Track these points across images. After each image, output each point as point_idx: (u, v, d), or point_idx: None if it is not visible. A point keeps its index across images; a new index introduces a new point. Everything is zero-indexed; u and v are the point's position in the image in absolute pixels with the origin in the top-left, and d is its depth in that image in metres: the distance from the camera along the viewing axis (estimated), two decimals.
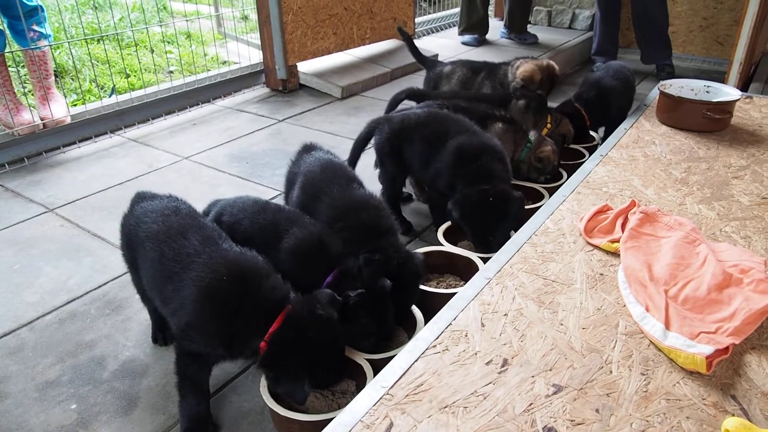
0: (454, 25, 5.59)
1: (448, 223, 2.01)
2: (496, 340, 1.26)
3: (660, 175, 2.07)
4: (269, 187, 2.64)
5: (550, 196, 2.01)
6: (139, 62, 4.21)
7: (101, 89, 3.94)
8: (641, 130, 2.50)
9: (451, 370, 1.18)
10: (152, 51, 4.60)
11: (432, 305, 1.50)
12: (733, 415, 1.07)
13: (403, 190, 2.42)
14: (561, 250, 1.61)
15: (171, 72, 4.38)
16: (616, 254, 1.57)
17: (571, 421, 1.06)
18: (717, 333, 1.22)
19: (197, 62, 4.33)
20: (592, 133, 2.90)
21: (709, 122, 2.41)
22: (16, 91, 3.01)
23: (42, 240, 2.23)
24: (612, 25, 4.46)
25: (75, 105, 3.54)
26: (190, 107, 3.67)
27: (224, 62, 4.57)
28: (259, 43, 3.95)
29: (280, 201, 2.13)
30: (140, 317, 1.80)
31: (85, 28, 4.85)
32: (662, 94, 2.55)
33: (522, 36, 5.01)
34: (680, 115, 2.49)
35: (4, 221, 2.37)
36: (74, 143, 3.09)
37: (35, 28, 2.93)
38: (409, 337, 1.55)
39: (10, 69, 3.04)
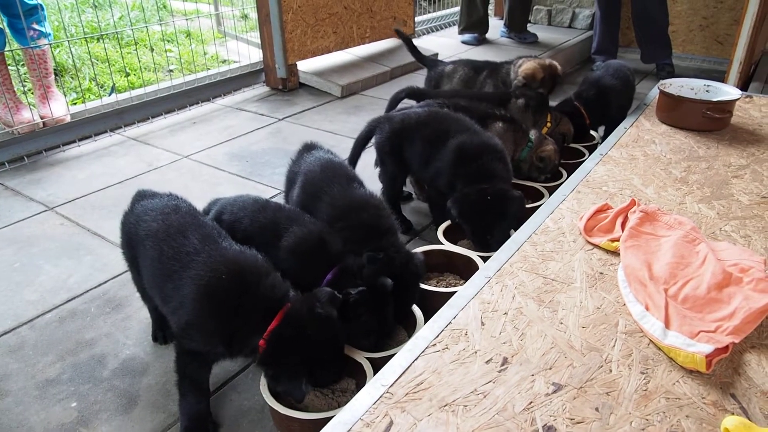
0: (454, 24, 5.59)
1: (448, 222, 2.01)
2: (496, 339, 1.26)
3: (660, 174, 2.07)
4: (269, 186, 2.64)
5: (550, 195, 2.01)
6: (139, 61, 4.21)
7: (101, 88, 3.94)
8: (641, 129, 2.50)
9: (451, 368, 1.18)
10: (152, 50, 4.59)
11: (432, 304, 1.51)
12: (733, 413, 1.07)
13: (403, 188, 2.42)
14: (561, 249, 1.61)
15: (171, 71, 4.37)
16: (615, 253, 1.57)
17: (571, 419, 1.06)
18: (717, 332, 1.22)
19: (197, 61, 4.33)
20: (591, 132, 2.90)
21: (709, 121, 2.41)
22: (15, 89, 3.01)
23: (42, 238, 2.23)
24: (612, 24, 4.46)
25: (75, 104, 3.54)
26: (190, 106, 3.67)
27: (224, 61, 4.57)
28: (259, 41, 3.95)
29: (280, 200, 2.13)
30: (140, 316, 1.80)
31: (85, 26, 4.85)
32: (662, 93, 2.55)
33: (522, 35, 5.01)
34: (680, 114, 2.49)
35: (4, 220, 2.37)
36: (74, 142, 3.09)
37: (35, 26, 2.93)
38: (409, 336, 1.55)
39: (9, 67, 3.03)
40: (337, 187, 1.70)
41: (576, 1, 5.38)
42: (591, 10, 5.23)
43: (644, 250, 1.53)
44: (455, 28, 5.37)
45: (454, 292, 1.43)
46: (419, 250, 1.82)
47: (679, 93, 2.51)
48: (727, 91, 2.50)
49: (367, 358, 1.41)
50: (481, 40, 5.06)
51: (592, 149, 2.56)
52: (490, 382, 1.15)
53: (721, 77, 3.49)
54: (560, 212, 1.82)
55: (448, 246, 1.89)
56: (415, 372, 1.17)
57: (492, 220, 1.88)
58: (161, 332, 1.69)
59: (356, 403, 1.10)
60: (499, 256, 1.59)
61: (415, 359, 1.20)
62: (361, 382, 1.40)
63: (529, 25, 5.18)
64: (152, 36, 4.92)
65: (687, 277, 1.40)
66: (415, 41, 4.28)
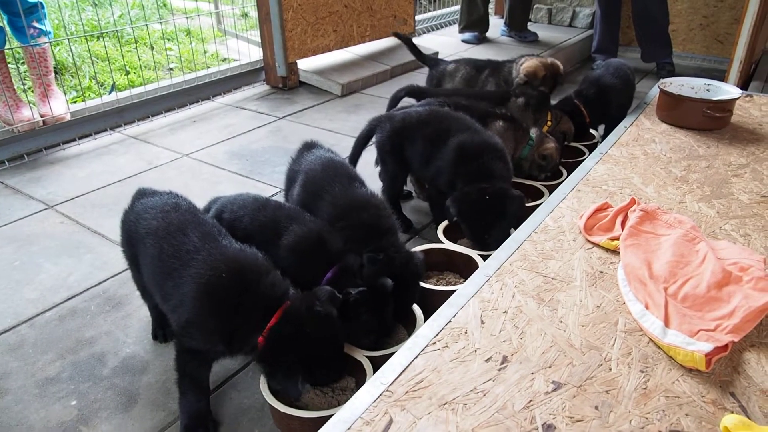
0: (455, 23, 5.58)
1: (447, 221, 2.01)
2: (495, 338, 1.26)
3: (660, 173, 2.07)
4: (269, 185, 2.64)
5: (550, 193, 2.01)
6: (139, 59, 4.21)
7: (101, 86, 3.94)
8: (641, 128, 2.50)
9: (451, 367, 1.18)
10: (152, 48, 4.59)
11: (432, 302, 1.51)
12: (732, 412, 1.07)
13: (404, 187, 2.42)
14: (561, 247, 1.61)
15: (171, 69, 4.37)
16: (615, 252, 1.57)
17: (571, 418, 1.06)
18: (716, 330, 1.22)
19: (197, 59, 4.33)
20: (592, 131, 2.90)
21: (709, 120, 2.41)
22: (15, 87, 3.01)
23: (42, 237, 2.23)
24: (612, 23, 4.46)
25: (75, 102, 3.54)
26: (190, 104, 3.66)
27: (224, 59, 4.57)
28: (259, 40, 3.95)
29: (279, 198, 2.13)
30: (140, 314, 1.80)
31: (85, 25, 4.85)
32: (662, 92, 2.55)
33: (522, 34, 5.01)
34: (680, 113, 2.49)
35: (4, 218, 2.36)
36: (74, 140, 3.09)
37: (35, 25, 2.93)
38: (409, 334, 1.55)
39: (9, 66, 3.03)
40: (338, 187, 1.70)
41: (576, 0, 5.38)
42: (591, 9, 5.22)
43: (644, 248, 1.53)
44: (455, 27, 5.37)
45: (454, 291, 1.43)
46: (419, 248, 1.82)
47: (680, 92, 2.51)
48: (728, 90, 2.50)
49: (367, 357, 1.41)
50: (482, 39, 5.05)
51: (592, 148, 2.56)
52: (489, 380, 1.15)
53: (721, 76, 3.49)
54: (560, 211, 1.82)
55: (448, 245, 1.89)
56: (414, 370, 1.17)
57: (491, 219, 1.88)
58: (161, 330, 1.69)
59: (356, 402, 1.10)
60: (498, 254, 1.59)
61: (415, 358, 1.20)
62: (360, 380, 1.40)
63: (529, 23, 5.17)
64: (152, 34, 4.92)
65: (687, 276, 1.40)
66: (415, 40, 4.28)
